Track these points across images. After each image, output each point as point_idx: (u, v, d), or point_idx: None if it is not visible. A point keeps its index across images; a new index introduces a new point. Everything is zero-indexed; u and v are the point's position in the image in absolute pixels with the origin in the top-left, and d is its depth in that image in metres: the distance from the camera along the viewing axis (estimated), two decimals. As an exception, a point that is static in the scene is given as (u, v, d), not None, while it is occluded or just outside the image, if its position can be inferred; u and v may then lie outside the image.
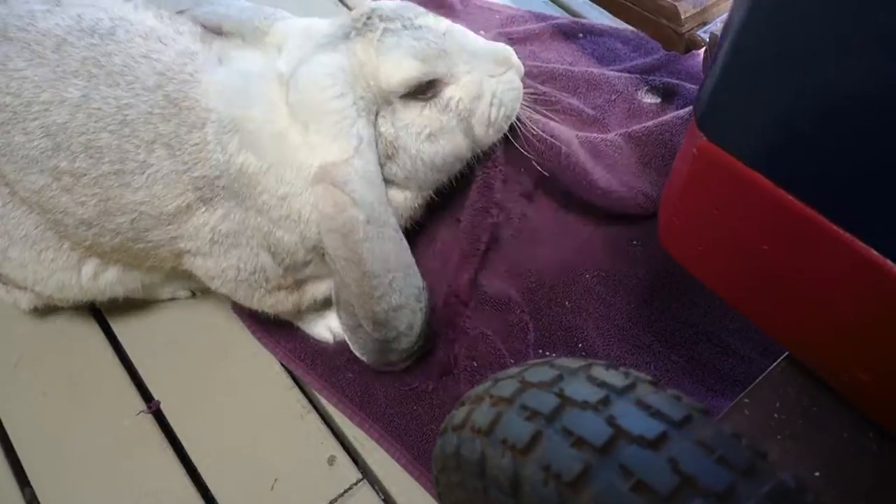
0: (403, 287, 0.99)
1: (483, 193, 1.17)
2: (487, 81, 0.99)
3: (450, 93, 0.97)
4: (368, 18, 0.95)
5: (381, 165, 0.97)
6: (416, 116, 0.97)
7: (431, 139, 0.98)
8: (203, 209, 0.99)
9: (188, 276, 1.12)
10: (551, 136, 1.18)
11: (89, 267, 1.09)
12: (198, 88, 0.96)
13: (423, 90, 0.95)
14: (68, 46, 0.95)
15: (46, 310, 1.23)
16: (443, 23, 0.99)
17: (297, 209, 0.98)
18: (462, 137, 1.01)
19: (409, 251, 1.00)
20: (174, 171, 0.95)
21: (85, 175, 0.96)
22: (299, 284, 1.10)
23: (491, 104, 1.00)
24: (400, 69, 0.92)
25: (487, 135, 1.04)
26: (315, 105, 0.92)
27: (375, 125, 0.96)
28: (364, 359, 1.06)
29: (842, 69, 0.56)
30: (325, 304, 1.17)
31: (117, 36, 0.97)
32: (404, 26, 0.95)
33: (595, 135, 1.36)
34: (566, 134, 1.22)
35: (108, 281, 1.12)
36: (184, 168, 0.95)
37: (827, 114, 0.59)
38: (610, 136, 1.37)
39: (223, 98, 0.96)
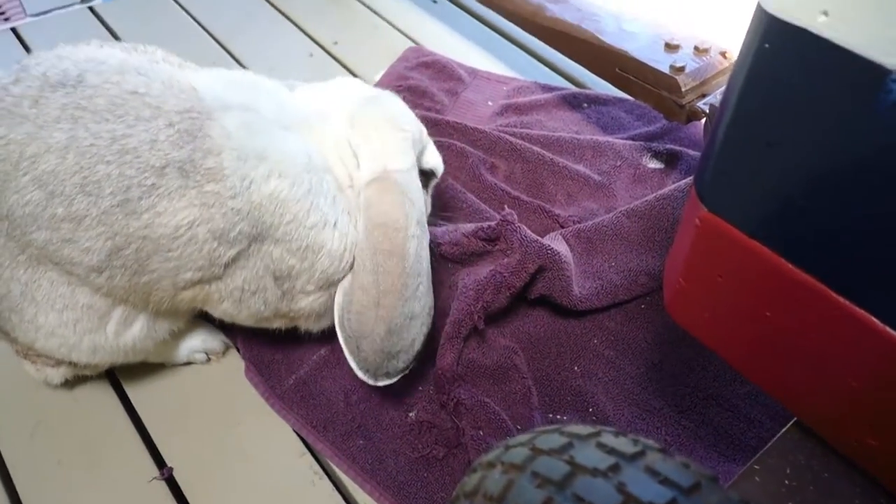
0: (424, 295, 1.07)
1: (474, 289, 1.26)
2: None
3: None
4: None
5: None
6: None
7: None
8: (216, 244, 0.99)
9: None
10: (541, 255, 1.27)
11: (114, 319, 1.09)
12: (199, 118, 0.98)
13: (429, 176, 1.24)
14: (44, 101, 0.96)
15: (74, 381, 1.24)
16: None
17: (321, 241, 1.04)
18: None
19: (431, 271, 1.10)
20: (181, 186, 0.96)
21: (86, 217, 0.95)
22: (294, 318, 1.16)
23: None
24: (437, 159, 1.22)
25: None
26: (389, 124, 1.10)
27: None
28: (359, 374, 1.07)
29: (832, 146, 0.59)
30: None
31: (88, 81, 0.97)
32: None
33: (590, 223, 1.41)
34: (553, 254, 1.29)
35: (134, 336, 1.11)
36: (194, 185, 0.96)
37: (821, 187, 0.62)
38: (608, 217, 1.42)
39: (245, 127, 1.00)
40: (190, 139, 0.96)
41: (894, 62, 0.53)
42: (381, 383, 1.08)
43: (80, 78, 0.98)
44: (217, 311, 1.13)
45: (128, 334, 1.11)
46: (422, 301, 1.06)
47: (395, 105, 1.17)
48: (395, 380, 1.08)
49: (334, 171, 1.09)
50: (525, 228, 1.30)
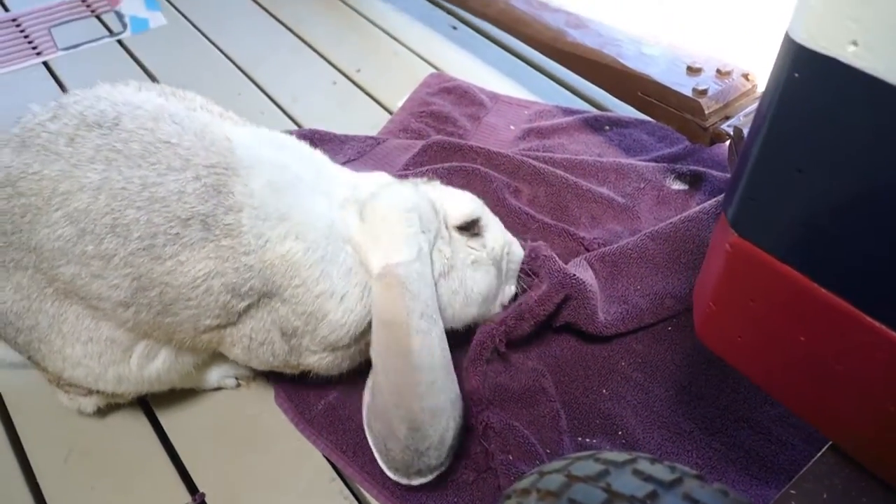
0: (443, 389, 1.03)
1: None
2: (506, 240, 1.25)
3: (486, 237, 1.20)
4: (428, 178, 1.26)
5: (435, 283, 1.10)
6: (464, 245, 1.18)
7: (475, 266, 1.18)
8: (229, 296, 1.02)
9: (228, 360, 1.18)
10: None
11: (138, 351, 1.11)
12: (232, 174, 1.00)
13: (471, 227, 1.18)
14: (80, 140, 0.99)
15: (106, 409, 1.26)
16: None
17: (325, 310, 1.05)
18: (494, 274, 1.21)
19: (450, 358, 1.06)
20: (202, 238, 0.98)
21: (115, 256, 0.98)
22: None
23: (509, 259, 1.26)
24: (460, 207, 1.18)
25: (506, 289, 1.28)
26: (391, 216, 1.07)
27: (436, 245, 1.13)
28: (390, 474, 1.05)
29: (862, 172, 0.60)
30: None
31: (123, 125, 1.00)
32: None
33: (615, 247, 1.42)
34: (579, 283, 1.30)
35: (158, 369, 1.14)
36: (213, 238, 0.98)
37: (851, 212, 0.62)
38: (633, 240, 1.42)
39: (270, 186, 1.02)
40: (214, 194, 0.99)
41: (924, 89, 0.53)
42: (415, 482, 1.05)
43: (116, 120, 1.01)
44: (231, 355, 1.15)
45: (151, 367, 1.13)
46: (441, 396, 1.02)
47: (399, 194, 1.11)
48: (429, 478, 1.06)
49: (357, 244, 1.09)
50: (555, 258, 1.30)
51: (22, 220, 1.00)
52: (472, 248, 1.18)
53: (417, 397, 1.00)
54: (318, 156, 1.18)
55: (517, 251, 1.28)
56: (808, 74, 0.60)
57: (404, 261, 1.03)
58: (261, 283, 1.02)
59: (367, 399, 1.11)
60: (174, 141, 1.00)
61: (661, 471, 0.62)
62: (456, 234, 1.17)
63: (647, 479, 0.61)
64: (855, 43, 0.56)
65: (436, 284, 1.10)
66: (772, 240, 0.71)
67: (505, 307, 1.28)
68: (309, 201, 1.06)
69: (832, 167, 0.62)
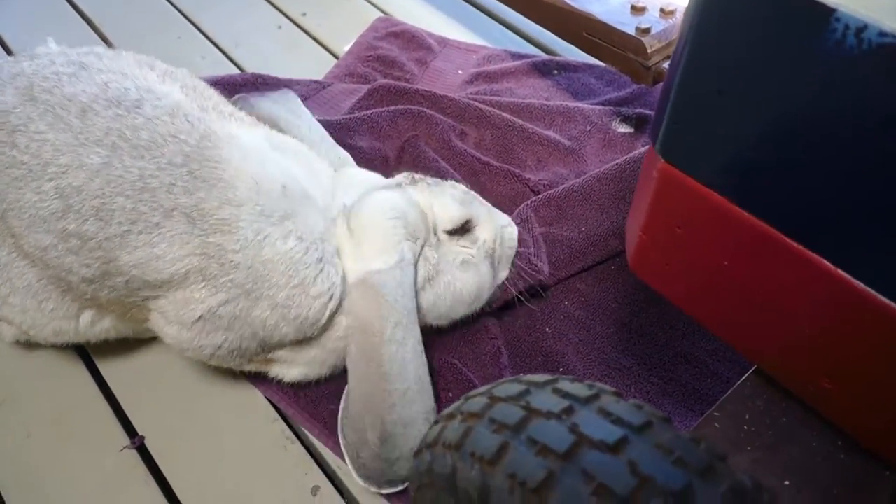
0: (415, 401, 1.01)
1: None
2: (497, 227, 1.19)
3: (477, 232, 1.16)
4: (413, 177, 1.19)
5: (419, 290, 1.09)
6: (453, 246, 1.14)
7: (464, 267, 1.14)
8: (202, 284, 0.99)
9: None
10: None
11: (87, 315, 1.10)
12: (228, 170, 0.99)
13: (461, 229, 1.14)
14: (93, 115, 0.97)
15: (30, 346, 1.24)
16: (460, 186, 1.22)
17: (317, 311, 1.03)
18: (486, 270, 1.16)
19: (427, 371, 1.05)
20: (186, 232, 0.96)
21: (92, 239, 0.96)
22: (266, 362, 1.12)
23: (502, 245, 1.20)
24: (449, 211, 1.12)
25: (500, 275, 1.23)
26: (373, 223, 1.05)
27: (422, 252, 1.10)
28: (360, 481, 1.04)
29: (780, 90, 0.60)
30: None
31: (144, 110, 0.99)
32: (438, 184, 1.19)
33: (560, 189, 1.42)
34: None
35: (104, 327, 1.13)
36: (199, 233, 0.96)
37: (770, 132, 0.62)
38: (579, 181, 1.42)
39: (273, 185, 1.01)
40: (207, 187, 0.97)
41: (836, 0, 0.53)
42: (384, 491, 1.04)
43: (138, 104, 0.99)
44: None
45: (99, 326, 1.13)
46: (413, 407, 1.01)
47: (383, 200, 1.09)
48: (399, 488, 1.04)
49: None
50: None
51: (5, 169, 0.97)
52: (462, 247, 1.15)
53: (388, 407, 0.99)
54: (312, 155, 1.18)
55: (510, 235, 1.23)
56: (725, -10, 0.59)
57: (383, 268, 1.02)
58: (244, 278, 0.99)
59: (341, 405, 1.10)
60: (182, 137, 0.99)
61: (579, 388, 0.63)
62: (445, 237, 1.14)
63: (565, 396, 0.62)
64: (768, -48, 0.55)
65: (421, 290, 1.10)
66: (695, 164, 0.72)
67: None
68: (309, 203, 1.06)
69: (750, 86, 0.62)
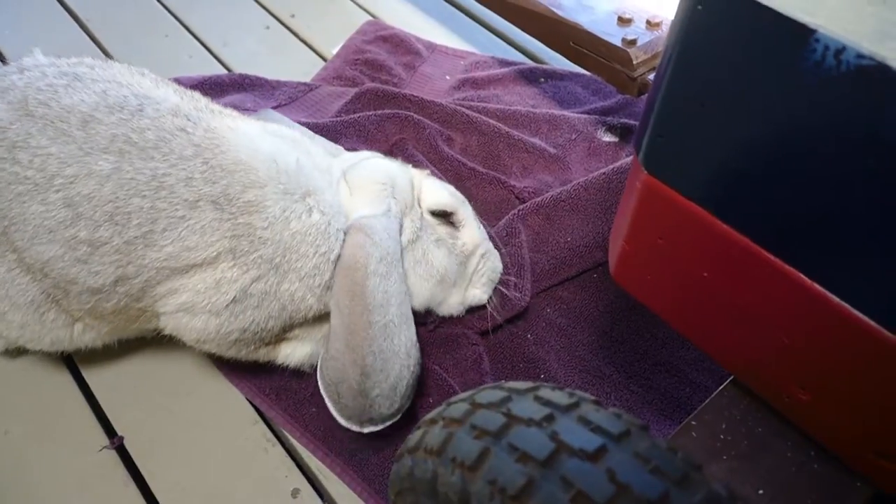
0: (396, 334, 1.02)
1: None
2: (484, 244, 1.24)
3: (460, 233, 1.21)
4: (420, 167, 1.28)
5: (402, 249, 1.12)
6: (434, 225, 1.19)
7: (438, 244, 1.17)
8: (231, 263, 0.99)
9: None
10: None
11: (82, 323, 1.09)
12: (242, 154, 1.00)
13: (444, 215, 1.20)
14: (96, 123, 0.96)
15: (16, 352, 1.23)
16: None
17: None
18: (455, 261, 1.19)
19: (409, 306, 1.08)
20: (216, 219, 0.97)
21: (106, 244, 0.96)
22: (279, 341, 1.12)
23: (480, 258, 1.23)
24: (436, 194, 1.20)
25: (475, 293, 1.25)
26: (367, 179, 1.13)
27: (408, 215, 1.15)
28: (342, 421, 1.04)
29: (761, 105, 0.61)
30: None
31: (146, 113, 0.99)
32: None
33: (549, 196, 1.43)
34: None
35: (99, 333, 1.12)
36: (228, 217, 0.97)
37: (751, 147, 0.64)
38: (566, 189, 1.43)
39: (289, 163, 1.04)
40: (228, 174, 0.98)
41: (816, 21, 0.54)
42: (366, 430, 1.04)
43: (140, 108, 0.99)
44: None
45: (93, 332, 1.12)
46: (394, 340, 1.02)
47: (378, 164, 1.18)
48: (381, 426, 1.04)
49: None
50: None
51: (7, 186, 0.96)
52: (440, 229, 1.19)
53: (369, 339, 0.99)
54: (308, 141, 1.20)
55: (495, 262, 1.27)
56: (709, 5, 0.61)
57: (371, 214, 1.07)
58: (272, 258, 1.00)
59: (322, 352, 1.09)
60: (189, 130, 0.99)
61: (560, 396, 0.64)
62: (428, 216, 1.18)
63: (546, 403, 0.63)
64: (754, -26, 0.56)
65: (404, 249, 1.13)
66: (677, 176, 0.73)
67: (468, 309, 1.27)
68: (325, 180, 1.09)
69: (732, 101, 0.64)
